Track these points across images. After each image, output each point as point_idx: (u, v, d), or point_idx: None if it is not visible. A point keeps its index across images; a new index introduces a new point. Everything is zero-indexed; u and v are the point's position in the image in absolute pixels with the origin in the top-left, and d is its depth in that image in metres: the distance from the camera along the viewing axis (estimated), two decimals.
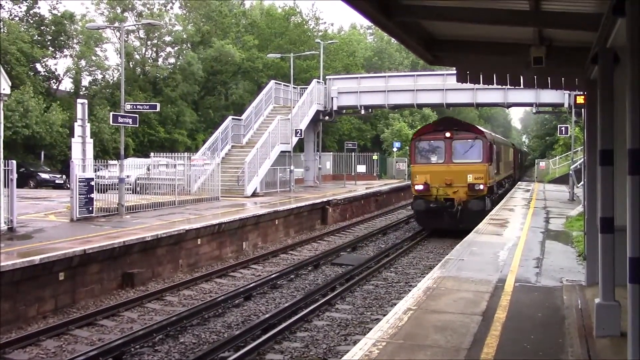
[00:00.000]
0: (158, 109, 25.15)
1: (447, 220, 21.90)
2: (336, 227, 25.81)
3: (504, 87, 29.94)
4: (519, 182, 43.43)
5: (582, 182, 21.50)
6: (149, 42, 47.96)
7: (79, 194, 17.54)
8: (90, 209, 17.88)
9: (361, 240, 21.90)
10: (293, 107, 33.20)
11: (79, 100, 19.94)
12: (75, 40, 43.19)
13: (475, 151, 22.10)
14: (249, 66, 49.88)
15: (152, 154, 29.61)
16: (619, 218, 6.83)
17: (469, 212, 21.33)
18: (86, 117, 19.09)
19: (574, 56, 9.18)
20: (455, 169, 21.90)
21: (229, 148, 30.88)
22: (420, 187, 22.22)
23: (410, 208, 25.48)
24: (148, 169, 26.08)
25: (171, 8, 50.19)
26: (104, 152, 36.70)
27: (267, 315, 11.39)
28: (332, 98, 36.48)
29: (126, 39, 40.94)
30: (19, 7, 41.15)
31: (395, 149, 49.71)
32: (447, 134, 22.17)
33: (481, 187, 21.74)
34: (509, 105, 35.49)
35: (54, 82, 44.13)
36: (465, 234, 16.08)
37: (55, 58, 43.65)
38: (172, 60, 50.04)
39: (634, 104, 5.24)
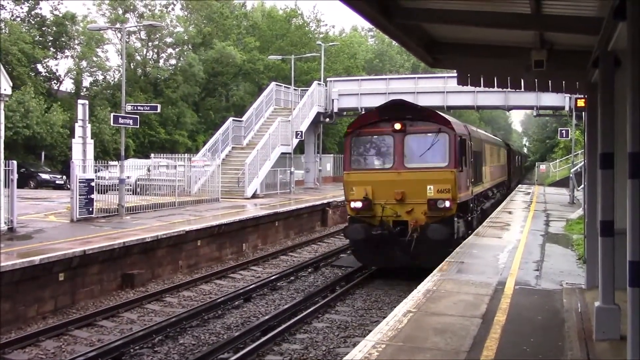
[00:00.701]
0: (159, 110, 25.24)
1: (398, 254, 14.79)
2: (336, 228, 25.77)
3: (504, 89, 29.64)
4: (519, 185, 43.42)
5: (582, 185, 21.53)
6: (150, 44, 48.01)
7: (79, 195, 17.55)
8: (91, 209, 17.90)
9: None
10: (294, 109, 33.22)
11: (80, 101, 20.00)
12: (76, 41, 43.22)
13: (439, 150, 14.98)
14: (249, 68, 49.89)
15: (152, 155, 29.65)
16: (619, 221, 6.83)
17: (429, 242, 14.20)
18: (87, 118, 19.14)
19: (574, 59, 9.18)
20: (409, 177, 14.83)
21: (230, 149, 30.87)
22: (357, 204, 15.01)
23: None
24: (148, 170, 26.09)
25: (172, 9, 50.35)
26: (105, 152, 36.71)
27: (266, 317, 11.39)
28: (332, 100, 36.54)
29: (127, 40, 40.99)
30: (21, 7, 41.21)
31: None
32: (397, 126, 14.92)
33: (447, 203, 14.60)
34: (510, 108, 35.58)
35: (55, 83, 44.20)
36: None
37: (56, 59, 43.73)
38: (173, 61, 50.13)
39: (634, 107, 5.24)
